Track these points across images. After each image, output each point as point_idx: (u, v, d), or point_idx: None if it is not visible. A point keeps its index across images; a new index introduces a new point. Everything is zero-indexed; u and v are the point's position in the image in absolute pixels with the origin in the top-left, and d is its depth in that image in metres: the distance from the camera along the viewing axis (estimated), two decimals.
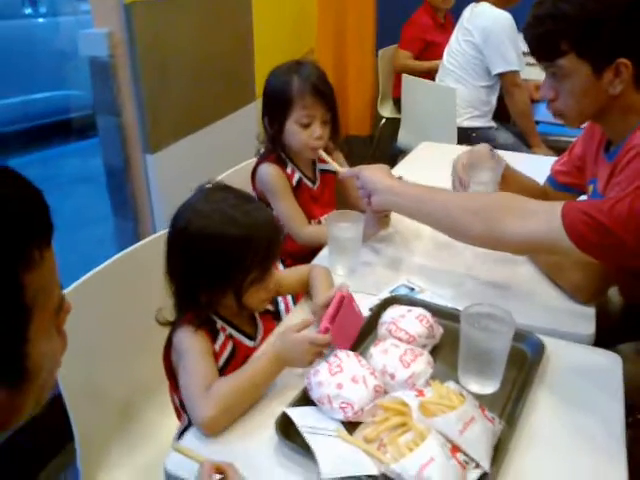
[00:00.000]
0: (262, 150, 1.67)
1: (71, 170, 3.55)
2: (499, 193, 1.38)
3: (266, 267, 1.07)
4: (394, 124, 3.53)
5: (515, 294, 1.27)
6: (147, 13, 2.11)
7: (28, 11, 4.10)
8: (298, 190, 1.65)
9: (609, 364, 1.07)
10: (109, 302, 1.19)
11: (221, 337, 1.07)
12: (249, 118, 2.64)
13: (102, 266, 1.17)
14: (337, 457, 0.84)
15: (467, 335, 0.99)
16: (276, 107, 1.59)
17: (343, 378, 0.94)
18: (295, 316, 1.19)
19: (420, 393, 0.93)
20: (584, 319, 1.18)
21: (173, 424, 1.16)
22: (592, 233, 1.02)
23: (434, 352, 1.08)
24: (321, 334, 1.00)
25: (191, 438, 0.92)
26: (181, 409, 1.10)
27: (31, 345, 0.47)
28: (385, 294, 1.25)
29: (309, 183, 1.68)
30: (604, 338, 1.15)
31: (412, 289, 1.29)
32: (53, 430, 1.33)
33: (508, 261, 1.36)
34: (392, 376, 0.98)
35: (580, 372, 1.06)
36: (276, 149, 1.62)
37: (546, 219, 1.08)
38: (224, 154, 2.05)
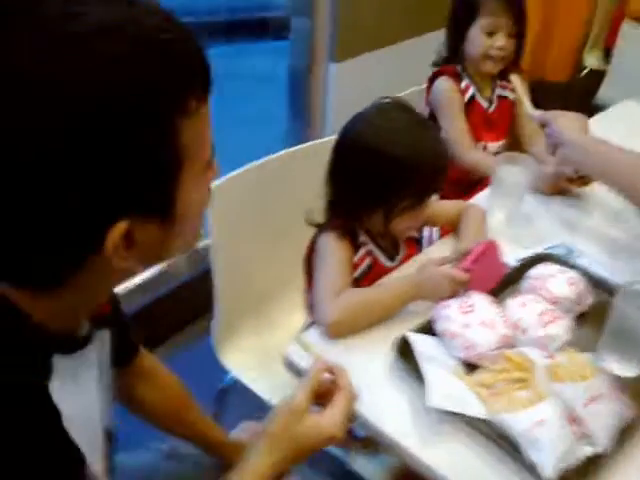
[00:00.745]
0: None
1: (261, 68, 3.67)
2: None
3: (422, 197, 1.04)
4: (598, 77, 3.19)
5: None
6: None
7: None
8: (470, 107, 1.59)
9: None
10: (266, 194, 1.25)
11: (361, 251, 1.09)
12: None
13: (265, 159, 1.22)
14: (447, 390, 0.84)
15: (620, 311, 0.90)
16: (461, 12, 1.55)
17: (472, 319, 0.92)
18: (437, 249, 1.17)
19: (551, 356, 0.89)
20: None
21: (302, 320, 1.23)
22: None
23: (578, 320, 1.01)
24: (462, 273, 0.97)
25: (314, 334, 0.96)
26: (310, 308, 1.16)
27: (181, 189, 0.50)
28: (539, 250, 1.18)
29: (484, 103, 1.62)
30: None
31: (571, 251, 1.20)
32: (197, 300, 1.46)
33: None
34: (524, 331, 0.94)
35: None
36: (454, 60, 1.58)
37: None
38: (410, 75, 2.00)
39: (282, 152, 1.26)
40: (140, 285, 1.74)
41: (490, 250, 1.03)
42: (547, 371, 0.85)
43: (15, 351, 0.50)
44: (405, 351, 0.90)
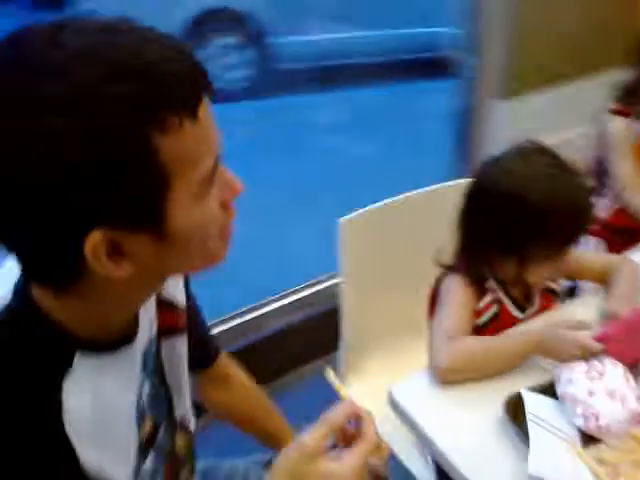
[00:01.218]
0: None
1: (432, 105, 3.72)
2: None
3: (560, 247, 0.97)
4: None
5: None
6: None
7: None
8: None
9: None
10: (400, 230, 1.25)
11: (488, 297, 1.04)
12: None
13: (404, 195, 1.24)
14: (554, 460, 0.77)
15: None
16: None
17: (599, 387, 0.83)
18: (577, 306, 1.08)
19: None
20: None
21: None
22: None
23: None
24: (595, 341, 0.89)
25: (422, 375, 0.94)
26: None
27: (173, 206, 0.51)
28: None
29: None
30: None
31: None
32: (327, 334, 1.49)
33: None
34: None
35: None
36: (632, 100, 1.48)
37: None
38: (576, 115, 1.87)
39: (422, 190, 1.26)
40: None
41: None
42: None
43: (33, 347, 0.55)
44: (517, 410, 0.84)
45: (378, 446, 0.63)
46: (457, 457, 0.81)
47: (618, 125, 1.50)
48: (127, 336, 0.62)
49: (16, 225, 0.49)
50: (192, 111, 0.49)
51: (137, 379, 0.65)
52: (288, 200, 2.96)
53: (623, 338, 0.90)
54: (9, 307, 0.56)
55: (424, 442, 0.88)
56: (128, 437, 0.63)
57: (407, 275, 1.25)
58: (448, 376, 0.91)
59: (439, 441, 0.85)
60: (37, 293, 0.56)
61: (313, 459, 0.59)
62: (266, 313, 1.93)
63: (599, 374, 0.85)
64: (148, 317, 0.68)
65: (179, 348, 0.75)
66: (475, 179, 1.04)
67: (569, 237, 0.97)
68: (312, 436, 0.59)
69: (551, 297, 1.11)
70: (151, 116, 0.47)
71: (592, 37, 2.18)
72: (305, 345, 1.91)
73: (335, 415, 0.61)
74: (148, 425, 0.69)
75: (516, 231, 0.96)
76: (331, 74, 4.23)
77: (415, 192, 1.25)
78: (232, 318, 1.86)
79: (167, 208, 0.51)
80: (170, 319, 0.73)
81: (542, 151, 1.00)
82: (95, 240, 0.49)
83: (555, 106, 2.24)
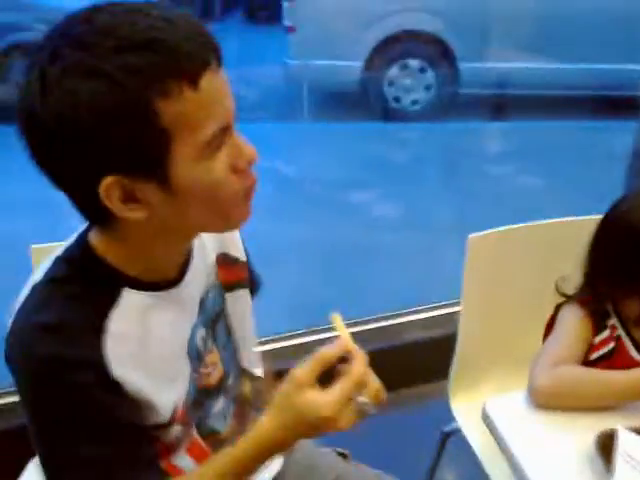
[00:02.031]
0: None
1: (606, 145, 3.50)
2: None
3: None
4: None
5: None
6: None
7: None
8: None
9: None
10: (529, 255, 1.25)
11: (606, 333, 1.01)
12: None
13: (536, 223, 1.23)
14: None
15: None
16: None
17: None
18: None
19: None
20: None
21: None
22: None
23: None
24: None
25: (519, 394, 0.95)
26: None
27: (175, 162, 0.60)
28: None
29: None
30: None
31: None
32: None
33: None
34: None
35: None
36: None
37: None
38: None
39: (554, 220, 1.25)
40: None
41: None
42: None
43: (87, 281, 0.67)
44: (609, 447, 0.82)
45: (365, 384, 0.66)
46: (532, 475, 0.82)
47: None
48: (173, 280, 0.73)
49: (57, 169, 0.62)
50: (192, 80, 0.58)
51: (188, 321, 0.75)
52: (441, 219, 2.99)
53: None
54: (70, 249, 0.70)
55: (508, 457, 0.89)
56: (174, 368, 0.73)
57: (526, 302, 1.25)
58: (546, 399, 0.91)
59: (522, 461, 0.85)
60: (92, 238, 0.69)
61: (301, 390, 0.63)
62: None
63: None
64: (204, 266, 0.79)
65: (243, 301, 0.85)
66: (610, 209, 1.03)
67: None
68: (302, 369, 0.64)
69: None
70: (154, 83, 0.57)
71: None
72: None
73: (327, 351, 0.65)
74: (217, 372, 0.79)
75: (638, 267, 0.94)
76: (511, 104, 4.17)
77: (549, 221, 1.24)
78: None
79: (169, 162, 0.60)
80: (233, 274, 0.84)
81: None
82: (108, 183, 0.60)
83: None
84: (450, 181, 3.52)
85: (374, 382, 0.68)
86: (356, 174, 3.54)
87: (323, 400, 0.63)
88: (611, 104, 4.01)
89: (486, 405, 0.95)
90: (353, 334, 0.68)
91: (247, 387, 0.88)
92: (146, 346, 0.69)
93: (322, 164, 3.63)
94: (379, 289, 2.36)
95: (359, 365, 0.66)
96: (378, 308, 2.02)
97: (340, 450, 1.03)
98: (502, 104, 4.19)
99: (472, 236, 1.20)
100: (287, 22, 4.12)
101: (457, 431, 1.30)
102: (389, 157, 3.84)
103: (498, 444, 0.92)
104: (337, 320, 0.70)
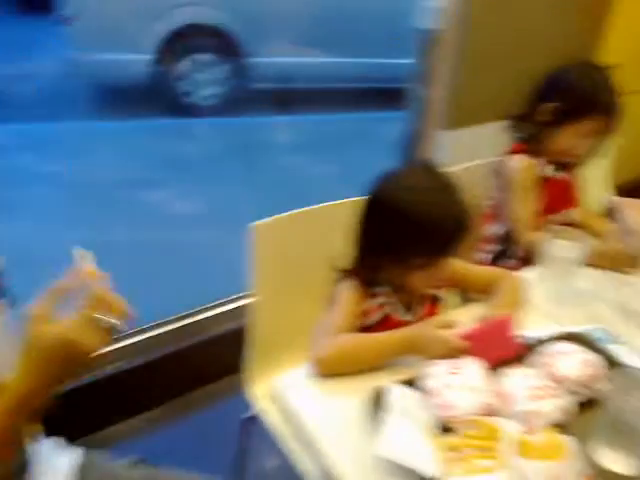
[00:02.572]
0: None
1: (380, 133, 3.85)
2: None
3: (435, 257, 1.06)
4: None
5: None
6: None
7: None
8: (547, 182, 1.56)
9: None
10: (312, 237, 1.32)
11: (377, 300, 1.12)
12: None
13: (316, 206, 1.31)
14: (404, 443, 0.84)
15: (609, 400, 0.84)
16: (571, 105, 1.47)
17: (456, 381, 0.91)
18: (463, 312, 1.16)
19: (530, 432, 0.85)
20: None
21: None
22: None
23: (587, 406, 0.95)
24: (459, 340, 0.97)
25: (302, 371, 1.01)
26: None
27: None
28: (574, 330, 1.12)
29: (559, 176, 1.59)
30: None
31: (610, 337, 1.12)
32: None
33: None
34: (512, 403, 0.90)
35: None
36: (535, 142, 1.54)
37: None
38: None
39: (333, 202, 1.33)
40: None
41: (504, 325, 1.01)
42: (516, 445, 0.81)
43: None
44: (382, 401, 0.91)
45: (105, 303, 0.67)
46: (322, 440, 0.88)
47: (520, 164, 1.52)
48: None
49: None
50: None
51: None
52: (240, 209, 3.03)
53: (486, 339, 0.98)
54: None
55: (298, 429, 0.94)
56: None
57: (313, 282, 1.32)
58: (324, 367, 0.98)
59: (308, 427, 0.91)
60: None
61: (37, 323, 0.65)
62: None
63: (458, 369, 0.93)
64: None
65: None
66: (372, 187, 1.12)
67: (445, 250, 1.06)
68: (36, 304, 0.65)
69: (436, 303, 1.19)
70: None
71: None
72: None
73: (58, 282, 0.67)
74: None
75: (399, 239, 1.05)
76: (298, 97, 4.36)
77: (327, 204, 1.33)
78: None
79: None
80: None
81: (431, 170, 1.09)
82: None
83: (494, 139, 2.37)
84: (247, 175, 3.58)
85: (115, 299, 0.69)
86: (152, 173, 3.44)
87: (61, 326, 0.64)
88: (389, 96, 4.39)
89: (274, 383, 0.99)
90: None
91: None
92: None
93: (114, 164, 3.47)
94: (178, 287, 2.34)
95: (94, 287, 0.67)
96: (179, 306, 2.00)
97: (135, 458, 1.01)
98: (291, 98, 4.37)
99: (253, 225, 1.23)
100: (66, 11, 3.81)
101: (257, 417, 1.34)
102: (184, 153, 3.80)
103: (288, 419, 0.97)
104: (79, 254, 0.71)
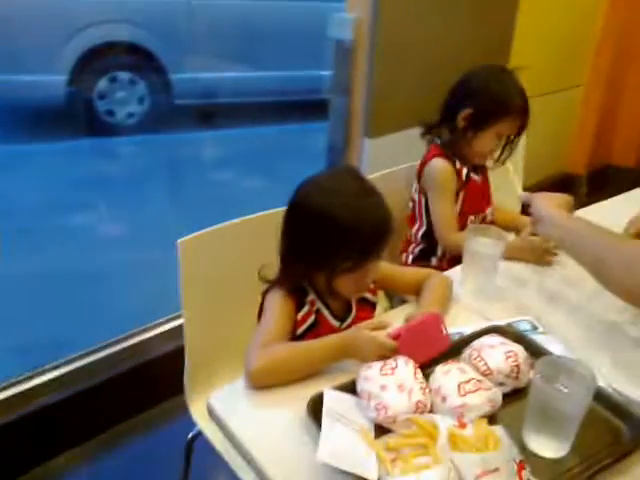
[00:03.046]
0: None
1: (307, 145, 3.89)
2: None
3: (361, 260, 1.07)
4: None
5: None
6: (398, 2, 2.19)
7: None
8: (467, 185, 1.62)
9: None
10: (241, 249, 1.32)
11: (306, 308, 1.12)
12: None
13: (242, 219, 1.30)
14: (344, 449, 0.84)
15: (535, 388, 0.88)
16: (485, 110, 1.53)
17: (390, 381, 0.92)
18: (393, 314, 1.18)
19: (461, 425, 0.87)
20: None
21: None
22: None
23: (514, 395, 0.98)
24: (390, 340, 0.98)
25: (236, 386, 0.99)
26: None
27: None
28: (500, 323, 1.16)
29: (477, 178, 1.66)
30: None
31: (535, 328, 1.17)
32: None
33: None
34: (444, 399, 0.92)
35: None
36: (452, 146, 1.59)
37: None
38: None
39: (262, 212, 1.33)
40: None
41: (432, 322, 1.04)
42: (449, 439, 0.83)
43: None
44: (319, 408, 0.91)
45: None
46: (260, 455, 0.87)
47: (439, 165, 1.57)
48: None
49: None
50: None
51: None
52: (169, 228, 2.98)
53: (416, 337, 1.00)
54: None
55: (235, 444, 0.93)
56: None
57: (244, 295, 1.31)
58: (258, 379, 0.97)
59: (247, 444, 0.89)
60: None
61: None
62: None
63: (391, 370, 0.94)
64: None
65: None
66: (294, 193, 1.12)
67: (371, 253, 1.07)
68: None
69: (368, 308, 1.20)
70: None
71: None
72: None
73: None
74: None
75: (322, 244, 1.06)
76: (222, 112, 4.34)
77: (254, 215, 1.32)
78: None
79: None
80: None
81: (353, 174, 1.11)
82: None
83: (416, 144, 2.43)
84: (175, 192, 3.52)
85: None
86: (73, 196, 3.32)
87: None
88: (313, 108, 4.44)
89: (209, 401, 0.97)
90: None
91: None
92: None
93: (31, 190, 3.32)
94: (113, 312, 2.27)
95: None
96: (116, 331, 1.94)
97: None
98: (215, 113, 4.34)
99: (181, 240, 1.22)
100: None
101: (201, 435, 1.31)
102: (107, 173, 3.69)
103: (225, 435, 0.95)
104: None
